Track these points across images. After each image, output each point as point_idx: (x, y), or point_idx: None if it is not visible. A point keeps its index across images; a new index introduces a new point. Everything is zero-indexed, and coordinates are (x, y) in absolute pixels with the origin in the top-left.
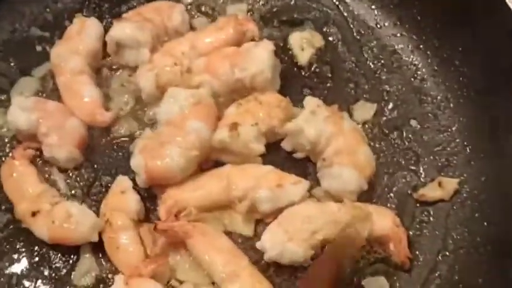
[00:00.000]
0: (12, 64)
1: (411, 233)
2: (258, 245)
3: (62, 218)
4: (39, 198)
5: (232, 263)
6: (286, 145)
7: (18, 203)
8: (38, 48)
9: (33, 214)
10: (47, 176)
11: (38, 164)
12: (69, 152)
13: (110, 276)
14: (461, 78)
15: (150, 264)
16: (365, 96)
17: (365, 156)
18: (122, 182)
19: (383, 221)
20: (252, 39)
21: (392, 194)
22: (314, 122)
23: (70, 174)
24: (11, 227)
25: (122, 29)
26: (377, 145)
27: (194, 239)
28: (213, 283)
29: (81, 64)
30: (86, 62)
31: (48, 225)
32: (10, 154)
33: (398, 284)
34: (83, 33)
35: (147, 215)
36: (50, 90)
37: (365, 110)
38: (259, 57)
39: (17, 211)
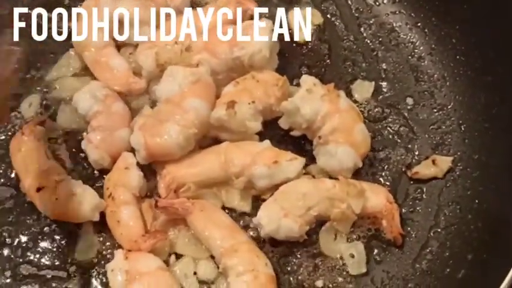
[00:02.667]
0: None
1: (404, 210)
2: (255, 220)
3: (66, 196)
4: (45, 175)
5: (230, 238)
6: (283, 123)
7: (25, 178)
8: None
9: (38, 189)
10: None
11: (46, 140)
12: (101, 157)
13: (110, 251)
14: (458, 57)
15: (149, 239)
16: (362, 74)
17: (361, 135)
18: (127, 158)
19: (376, 197)
20: (251, 18)
21: (386, 172)
22: (310, 100)
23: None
24: (16, 200)
25: (124, 7)
26: (372, 123)
27: (193, 216)
28: (212, 257)
29: (104, 37)
30: (108, 34)
31: (52, 201)
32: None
33: (389, 259)
34: (100, 7)
35: (149, 191)
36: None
37: (363, 88)
38: (258, 36)
39: (23, 185)
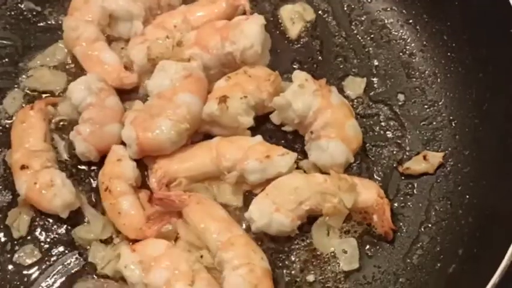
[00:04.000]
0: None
1: (395, 205)
2: (246, 215)
3: (44, 183)
4: (34, 155)
5: (227, 231)
6: (274, 118)
7: (15, 151)
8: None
9: (22, 167)
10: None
11: (52, 125)
12: (88, 150)
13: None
14: (449, 53)
15: (154, 225)
16: (353, 70)
17: (353, 130)
18: (118, 150)
19: (367, 192)
20: (243, 13)
21: (377, 167)
22: (302, 95)
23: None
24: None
25: (116, 1)
26: (364, 119)
27: (190, 208)
28: None
29: (95, 32)
30: (98, 28)
31: (29, 184)
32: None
33: (381, 255)
34: (90, 1)
35: (144, 182)
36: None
37: (355, 85)
38: (250, 32)
39: (11, 157)
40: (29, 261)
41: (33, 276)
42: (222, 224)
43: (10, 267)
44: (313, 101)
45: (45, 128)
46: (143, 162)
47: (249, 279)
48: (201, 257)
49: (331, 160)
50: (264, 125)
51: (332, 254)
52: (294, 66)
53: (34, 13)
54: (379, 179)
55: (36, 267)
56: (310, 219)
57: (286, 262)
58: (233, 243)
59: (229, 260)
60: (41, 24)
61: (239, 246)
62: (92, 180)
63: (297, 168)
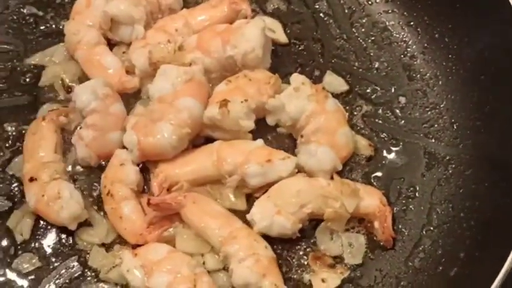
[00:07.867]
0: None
1: (397, 208)
2: (248, 217)
3: (52, 196)
4: (43, 166)
5: (227, 225)
6: (269, 120)
7: (27, 162)
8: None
9: (31, 179)
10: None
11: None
12: (89, 156)
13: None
14: (450, 56)
15: (154, 230)
16: None
17: (344, 138)
18: (121, 154)
19: (370, 199)
20: (245, 17)
21: (379, 170)
22: (296, 99)
23: None
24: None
25: (117, 5)
26: (366, 121)
27: (187, 209)
28: None
29: (97, 36)
30: (100, 33)
31: (38, 196)
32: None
33: (382, 258)
34: (92, 5)
35: (147, 186)
36: None
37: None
38: (251, 35)
39: (24, 168)
40: (28, 268)
41: (34, 282)
42: (221, 219)
43: (9, 273)
44: (306, 105)
45: (56, 138)
46: (146, 166)
47: (256, 270)
48: (203, 263)
49: (318, 166)
50: (265, 128)
51: (336, 258)
52: (295, 71)
53: (36, 18)
54: (380, 182)
55: (37, 273)
56: (313, 222)
57: (287, 263)
58: (235, 237)
59: (234, 253)
60: (43, 28)
61: (241, 239)
62: (98, 184)
63: (298, 171)
